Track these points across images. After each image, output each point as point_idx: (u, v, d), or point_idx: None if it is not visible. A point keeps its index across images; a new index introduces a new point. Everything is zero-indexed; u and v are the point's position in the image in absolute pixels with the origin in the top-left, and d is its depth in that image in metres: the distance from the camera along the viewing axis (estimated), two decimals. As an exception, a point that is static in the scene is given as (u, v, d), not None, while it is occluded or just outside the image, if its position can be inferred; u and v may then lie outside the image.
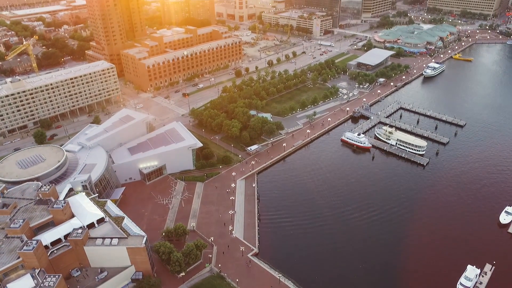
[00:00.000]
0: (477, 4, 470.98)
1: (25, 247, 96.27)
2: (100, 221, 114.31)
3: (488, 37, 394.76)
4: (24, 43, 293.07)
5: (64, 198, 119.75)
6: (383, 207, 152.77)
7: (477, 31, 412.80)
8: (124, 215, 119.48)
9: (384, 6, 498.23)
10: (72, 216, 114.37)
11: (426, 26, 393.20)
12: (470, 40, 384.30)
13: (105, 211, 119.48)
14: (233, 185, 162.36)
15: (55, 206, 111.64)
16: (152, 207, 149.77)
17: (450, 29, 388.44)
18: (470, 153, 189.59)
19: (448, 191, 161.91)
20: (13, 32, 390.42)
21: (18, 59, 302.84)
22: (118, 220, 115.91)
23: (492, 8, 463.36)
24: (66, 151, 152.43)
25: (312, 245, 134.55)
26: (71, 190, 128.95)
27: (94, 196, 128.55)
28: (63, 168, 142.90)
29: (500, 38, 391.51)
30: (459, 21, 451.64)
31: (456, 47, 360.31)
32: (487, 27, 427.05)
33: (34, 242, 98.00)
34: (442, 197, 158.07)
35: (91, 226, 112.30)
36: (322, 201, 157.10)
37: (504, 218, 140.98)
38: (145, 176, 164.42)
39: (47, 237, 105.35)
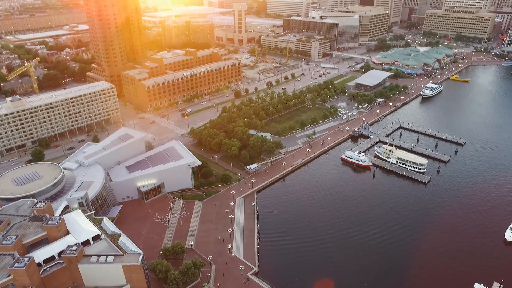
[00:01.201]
0: (472, 28, 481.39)
1: (16, 264, 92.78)
2: (96, 238, 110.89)
3: (484, 59, 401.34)
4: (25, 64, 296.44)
5: (59, 215, 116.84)
6: (386, 225, 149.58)
7: (473, 54, 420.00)
8: (121, 232, 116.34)
9: (381, 30, 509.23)
10: (67, 233, 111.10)
11: (422, 49, 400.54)
12: (466, 62, 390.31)
13: (101, 228, 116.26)
14: (232, 203, 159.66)
15: (49, 222, 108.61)
16: (150, 226, 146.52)
17: (446, 51, 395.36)
18: (472, 170, 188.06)
19: (451, 208, 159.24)
20: (16, 55, 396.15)
21: (20, 81, 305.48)
22: (114, 238, 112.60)
23: (486, 32, 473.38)
24: (63, 168, 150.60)
25: (313, 264, 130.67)
26: (67, 207, 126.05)
27: (90, 213, 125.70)
28: (60, 185, 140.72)
29: (495, 60, 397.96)
30: (455, 44, 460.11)
31: (453, 69, 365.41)
32: (482, 49, 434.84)
33: (26, 259, 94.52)
34: (445, 215, 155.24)
35: (86, 243, 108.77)
36: (323, 220, 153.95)
37: (510, 235, 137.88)
38: (143, 195, 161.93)
39: (40, 254, 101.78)
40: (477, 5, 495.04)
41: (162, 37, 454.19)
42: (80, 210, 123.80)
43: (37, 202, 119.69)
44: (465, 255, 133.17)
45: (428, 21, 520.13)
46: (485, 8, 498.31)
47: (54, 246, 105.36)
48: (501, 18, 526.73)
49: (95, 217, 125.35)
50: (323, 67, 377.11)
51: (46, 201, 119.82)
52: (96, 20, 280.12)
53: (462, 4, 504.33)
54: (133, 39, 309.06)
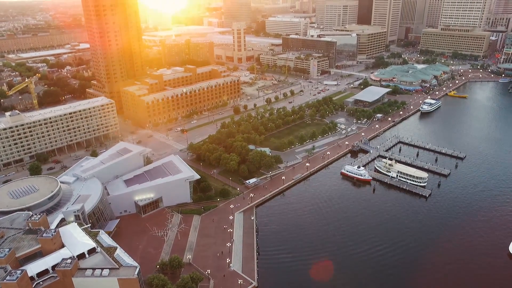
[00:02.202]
0: (468, 46, 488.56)
1: (8, 277, 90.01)
2: (91, 251, 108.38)
3: (480, 76, 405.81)
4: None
5: (55, 228, 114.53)
6: (387, 240, 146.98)
7: (470, 71, 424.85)
8: (117, 245, 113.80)
9: (379, 48, 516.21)
10: (62, 246, 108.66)
11: (420, 66, 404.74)
12: (463, 78, 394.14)
13: (97, 242, 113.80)
14: (231, 217, 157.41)
15: (44, 235, 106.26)
16: (147, 240, 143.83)
17: (444, 68, 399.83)
18: (473, 184, 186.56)
19: (453, 222, 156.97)
20: (17, 73, 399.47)
21: (20, 97, 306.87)
22: (110, 251, 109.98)
23: (481, 50, 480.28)
24: (60, 182, 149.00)
25: (314, 280, 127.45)
26: (63, 220, 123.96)
27: (86, 226, 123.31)
28: (56, 198, 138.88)
29: (492, 76, 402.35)
30: (451, 62, 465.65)
31: (451, 85, 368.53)
32: (478, 66, 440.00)
33: (19, 272, 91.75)
34: (447, 229, 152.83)
35: (81, 256, 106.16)
36: (324, 235, 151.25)
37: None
38: (141, 209, 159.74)
39: (33, 268, 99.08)
40: (472, 24, 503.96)
41: (162, 55, 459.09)
42: (76, 223, 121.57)
43: (32, 215, 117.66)
44: (469, 269, 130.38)
45: (425, 40, 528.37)
46: (479, 26, 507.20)
47: (48, 259, 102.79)
48: (496, 37, 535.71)
49: (91, 230, 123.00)
50: (325, 84, 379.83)
51: (41, 214, 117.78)
52: (97, 37, 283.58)
53: (458, 23, 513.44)
54: (134, 57, 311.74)
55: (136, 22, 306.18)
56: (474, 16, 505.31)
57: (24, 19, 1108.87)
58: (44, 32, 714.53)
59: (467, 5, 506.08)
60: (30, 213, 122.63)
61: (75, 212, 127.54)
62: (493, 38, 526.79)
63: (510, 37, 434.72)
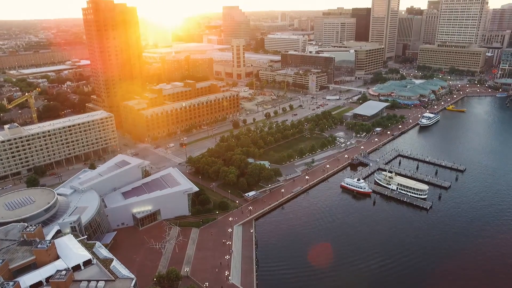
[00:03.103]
0: (464, 62, 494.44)
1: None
2: (87, 263, 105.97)
3: (478, 90, 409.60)
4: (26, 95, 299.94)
5: (50, 239, 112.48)
6: (389, 253, 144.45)
7: (467, 86, 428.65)
8: (113, 257, 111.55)
9: (376, 64, 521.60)
10: (57, 257, 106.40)
11: (418, 81, 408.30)
12: (461, 93, 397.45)
13: (93, 253, 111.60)
14: (230, 230, 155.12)
15: (39, 246, 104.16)
16: (144, 253, 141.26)
17: (441, 83, 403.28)
18: (474, 196, 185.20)
19: (455, 235, 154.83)
20: (17, 88, 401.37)
21: (19, 111, 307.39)
22: (106, 262, 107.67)
23: (478, 66, 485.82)
24: (57, 194, 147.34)
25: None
26: (58, 232, 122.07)
27: (82, 238, 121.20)
28: (53, 210, 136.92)
29: (489, 91, 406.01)
30: (449, 77, 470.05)
31: (449, 99, 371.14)
32: (475, 82, 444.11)
33: (11, 284, 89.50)
34: (449, 242, 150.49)
35: (76, 268, 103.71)
36: (325, 249, 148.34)
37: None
38: (138, 221, 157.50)
39: (26, 280, 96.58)
40: (468, 41, 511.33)
41: (162, 71, 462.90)
42: (72, 235, 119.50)
43: (27, 226, 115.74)
44: (474, 282, 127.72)
45: (422, 56, 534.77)
46: (475, 43, 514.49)
47: (42, 271, 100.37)
48: (491, 53, 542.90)
49: (88, 242, 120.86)
50: (327, 99, 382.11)
51: (36, 225, 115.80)
52: (97, 52, 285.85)
53: (454, 40, 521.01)
54: (134, 72, 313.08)
55: (137, 38, 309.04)
56: (469, 33, 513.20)
57: (26, 37, 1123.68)
58: (46, 49, 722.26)
59: (463, 22, 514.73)
60: (25, 224, 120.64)
61: (71, 223, 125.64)
62: (489, 54, 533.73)
63: (506, 53, 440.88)
